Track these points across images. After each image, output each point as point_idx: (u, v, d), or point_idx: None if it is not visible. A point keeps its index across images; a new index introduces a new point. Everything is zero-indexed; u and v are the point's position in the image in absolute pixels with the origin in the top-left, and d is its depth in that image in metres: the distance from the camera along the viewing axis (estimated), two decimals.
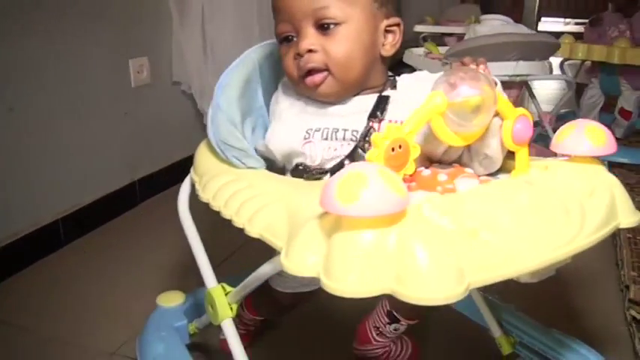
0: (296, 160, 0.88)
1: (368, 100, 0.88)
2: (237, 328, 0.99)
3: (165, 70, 2.19)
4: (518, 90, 2.14)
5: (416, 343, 1.22)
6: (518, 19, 2.22)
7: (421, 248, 0.53)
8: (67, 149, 1.80)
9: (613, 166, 2.30)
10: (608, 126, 2.15)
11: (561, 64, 2.92)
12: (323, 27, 0.83)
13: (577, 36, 2.90)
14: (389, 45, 0.89)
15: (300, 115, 0.89)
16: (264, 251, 0.75)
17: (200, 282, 0.96)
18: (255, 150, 0.92)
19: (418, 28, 3.70)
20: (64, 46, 1.75)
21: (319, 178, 0.84)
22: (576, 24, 10.08)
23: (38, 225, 1.72)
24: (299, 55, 0.84)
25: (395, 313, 1.12)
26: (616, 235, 1.81)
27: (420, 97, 0.69)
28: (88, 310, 1.47)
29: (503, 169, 0.78)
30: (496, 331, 1.18)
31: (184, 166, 1.00)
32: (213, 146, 0.89)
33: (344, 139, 0.84)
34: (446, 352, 1.28)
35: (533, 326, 1.16)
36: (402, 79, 0.91)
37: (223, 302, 0.92)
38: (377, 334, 1.15)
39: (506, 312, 1.19)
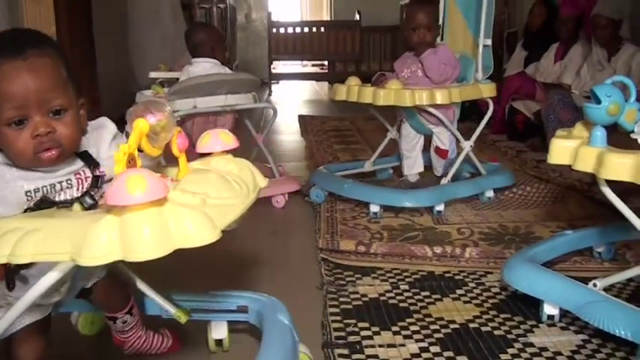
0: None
1: (72, 163, 1.12)
2: None
3: None
4: (233, 116, 2.89)
5: (177, 336, 1.53)
6: (222, 62, 2.99)
7: (188, 214, 0.87)
8: None
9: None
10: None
11: None
12: (54, 112, 1.05)
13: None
14: (84, 119, 1.14)
15: (14, 181, 1.06)
16: None
17: None
18: None
19: (153, 74, 4.33)
20: None
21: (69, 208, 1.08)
22: (313, 65, 11.63)
23: None
24: (38, 136, 1.02)
25: (108, 314, 1.42)
26: (317, 212, 2.62)
27: (100, 142, 1.15)
28: None
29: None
30: (171, 309, 1.45)
31: None
32: None
33: (62, 189, 1.10)
34: None
35: (196, 295, 1.54)
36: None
37: None
38: (121, 334, 1.45)
39: (173, 294, 1.51)
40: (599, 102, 1.45)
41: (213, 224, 0.89)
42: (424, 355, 1.47)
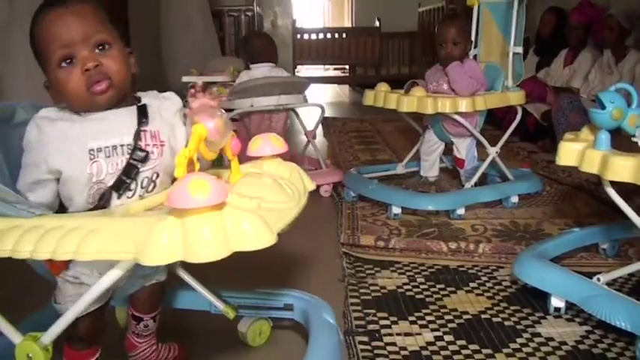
0: (75, 181, 1.07)
1: (128, 113, 1.12)
2: None
3: None
4: (286, 114, 3.09)
5: (182, 346, 1.48)
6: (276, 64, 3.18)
7: (247, 218, 0.86)
8: None
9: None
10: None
11: None
12: (100, 48, 1.08)
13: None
14: (133, 66, 1.16)
15: (78, 139, 1.06)
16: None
17: None
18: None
19: (185, 78, 4.40)
20: None
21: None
22: (334, 69, 11.65)
23: None
24: (87, 70, 1.05)
25: (136, 313, 1.37)
26: (339, 209, 2.65)
27: (162, 109, 1.14)
28: None
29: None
30: (220, 305, 1.46)
31: None
32: None
33: (122, 153, 1.09)
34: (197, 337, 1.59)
35: (244, 292, 1.55)
36: (143, 96, 1.18)
37: (37, 349, 1.03)
38: (137, 337, 1.39)
39: (221, 290, 1.51)
40: (603, 108, 1.47)
41: (270, 228, 0.88)
42: (439, 343, 1.51)
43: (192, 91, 1.07)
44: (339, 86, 9.66)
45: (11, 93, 2.72)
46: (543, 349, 1.48)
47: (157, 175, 1.14)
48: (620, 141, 1.51)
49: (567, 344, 1.49)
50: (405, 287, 1.85)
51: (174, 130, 1.16)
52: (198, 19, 6.84)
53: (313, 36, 9.49)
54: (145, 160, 1.11)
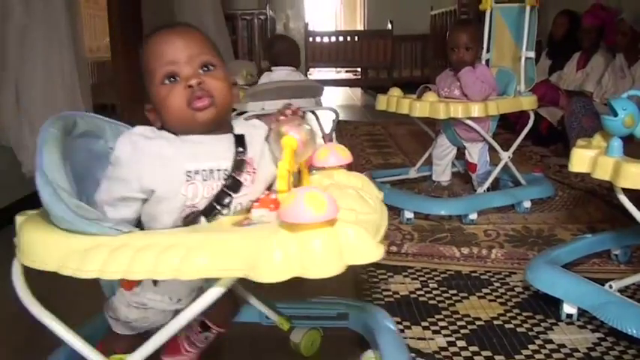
0: (168, 202, 1.03)
1: (225, 140, 1.09)
2: None
3: None
4: None
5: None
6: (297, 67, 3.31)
7: (355, 231, 0.83)
8: None
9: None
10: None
11: None
12: (204, 69, 1.06)
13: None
14: (235, 96, 1.15)
15: (175, 158, 1.02)
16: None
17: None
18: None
19: None
20: None
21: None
22: (346, 72, 11.67)
23: None
24: (190, 87, 1.04)
25: (207, 322, 1.29)
26: None
27: (255, 138, 1.10)
28: None
29: None
30: (274, 317, 1.45)
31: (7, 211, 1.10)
32: (77, 225, 0.90)
33: (219, 178, 1.05)
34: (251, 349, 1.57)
35: (296, 302, 1.52)
36: (235, 124, 1.15)
37: None
38: (188, 345, 1.32)
39: (275, 302, 1.49)
40: (615, 114, 1.48)
41: (375, 240, 0.86)
42: (451, 349, 1.52)
43: (283, 118, 1.08)
44: (351, 89, 9.67)
45: (27, 98, 2.74)
46: (555, 355, 1.48)
47: (249, 202, 1.10)
48: (633, 148, 1.52)
49: (579, 351, 1.50)
50: (418, 292, 1.86)
51: (263, 158, 1.13)
52: (211, 22, 6.85)
53: (325, 39, 9.50)
54: (237, 188, 1.07)
